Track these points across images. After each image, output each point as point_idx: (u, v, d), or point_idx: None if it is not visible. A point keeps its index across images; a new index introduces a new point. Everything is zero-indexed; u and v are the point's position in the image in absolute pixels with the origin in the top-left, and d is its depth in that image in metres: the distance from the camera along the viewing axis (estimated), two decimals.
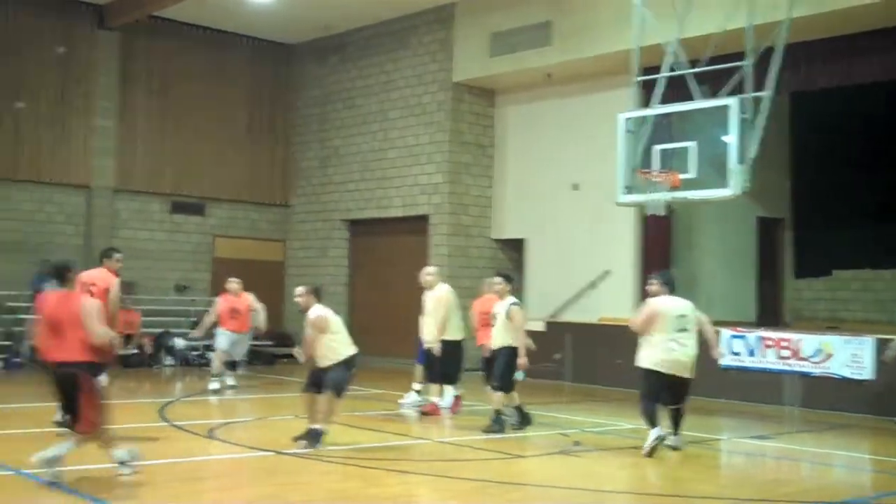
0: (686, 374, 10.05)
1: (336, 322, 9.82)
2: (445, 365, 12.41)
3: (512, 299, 11.31)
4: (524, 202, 19.62)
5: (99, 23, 20.56)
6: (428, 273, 12.92)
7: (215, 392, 14.69)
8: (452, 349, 12.44)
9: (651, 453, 9.60)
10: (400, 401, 13.23)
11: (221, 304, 15.36)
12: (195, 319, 20.47)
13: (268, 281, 19.20)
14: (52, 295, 7.87)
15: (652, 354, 9.96)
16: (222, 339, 15.15)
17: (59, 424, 8.17)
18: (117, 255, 10.89)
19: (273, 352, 20.66)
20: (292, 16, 20.70)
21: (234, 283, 15.46)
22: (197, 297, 21.40)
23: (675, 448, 10.07)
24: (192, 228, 22.09)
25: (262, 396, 15.34)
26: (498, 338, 11.21)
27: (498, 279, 11.54)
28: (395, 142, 20.76)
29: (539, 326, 17.50)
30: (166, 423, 11.02)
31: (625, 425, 11.93)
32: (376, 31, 21.22)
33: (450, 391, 12.64)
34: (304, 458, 9.05)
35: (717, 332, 10.76)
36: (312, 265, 22.68)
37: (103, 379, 9.81)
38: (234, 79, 22.50)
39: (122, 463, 7.71)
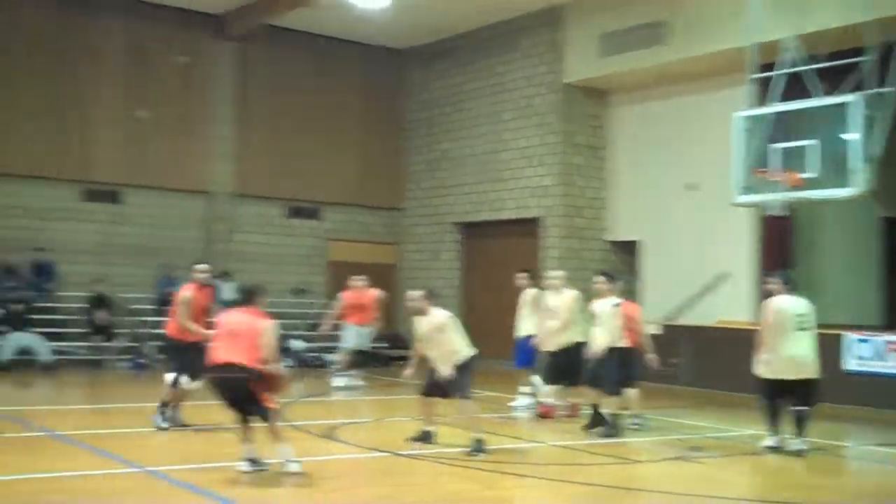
0: (807, 375, 9.93)
1: (456, 324, 9.87)
2: (569, 368, 12.12)
3: (615, 299, 11.24)
4: (638, 203, 19.39)
5: (218, 33, 21.15)
6: (555, 277, 12.80)
7: (341, 389, 14.94)
8: (575, 352, 12.26)
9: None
10: (511, 403, 13.24)
11: (346, 298, 15.76)
12: (312, 322, 20.88)
13: (380, 284, 19.33)
14: (236, 312, 8.44)
15: (771, 359, 9.92)
16: (349, 333, 15.53)
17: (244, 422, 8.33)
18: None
19: (388, 354, 20.89)
20: (403, 21, 20.90)
21: (359, 280, 15.89)
22: (314, 300, 21.80)
23: (799, 453, 9.89)
24: (307, 232, 22.52)
25: (378, 398, 15.52)
26: (601, 338, 11.09)
27: (600, 278, 11.49)
28: (506, 144, 20.77)
29: (655, 329, 17.29)
30: (286, 424, 11.23)
31: (745, 430, 11.67)
32: (485, 34, 21.26)
33: (564, 393, 12.51)
34: (419, 460, 9.12)
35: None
36: (424, 268, 22.86)
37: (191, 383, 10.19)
38: (346, 85, 22.85)
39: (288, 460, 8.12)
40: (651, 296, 18.62)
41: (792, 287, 10.25)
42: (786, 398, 9.97)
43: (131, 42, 20.31)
